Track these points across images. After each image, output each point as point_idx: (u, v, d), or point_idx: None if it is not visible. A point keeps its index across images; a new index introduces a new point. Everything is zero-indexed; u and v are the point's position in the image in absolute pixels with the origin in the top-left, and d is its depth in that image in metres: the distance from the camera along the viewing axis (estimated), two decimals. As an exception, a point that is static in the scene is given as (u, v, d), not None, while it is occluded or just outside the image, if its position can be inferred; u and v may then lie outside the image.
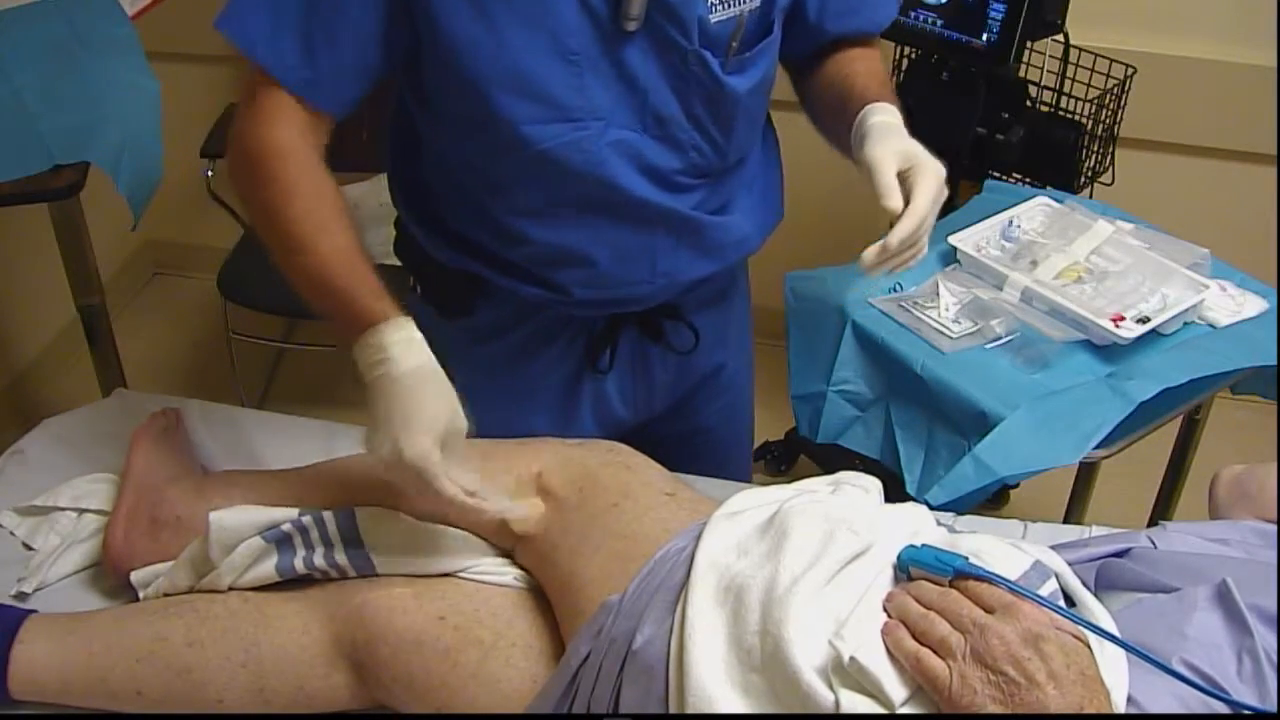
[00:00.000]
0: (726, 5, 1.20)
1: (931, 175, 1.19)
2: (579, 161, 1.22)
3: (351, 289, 1.14)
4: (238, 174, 1.20)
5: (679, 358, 1.48)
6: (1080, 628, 0.88)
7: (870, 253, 1.19)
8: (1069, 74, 2.15)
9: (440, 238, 1.35)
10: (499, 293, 1.36)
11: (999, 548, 0.98)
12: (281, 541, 1.21)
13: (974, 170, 2.18)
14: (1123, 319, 1.55)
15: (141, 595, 1.26)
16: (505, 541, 1.22)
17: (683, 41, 1.19)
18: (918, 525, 1.07)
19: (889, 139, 1.21)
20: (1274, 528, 1.11)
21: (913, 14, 2.09)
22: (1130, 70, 2.12)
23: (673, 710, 0.97)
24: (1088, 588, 0.98)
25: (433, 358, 1.13)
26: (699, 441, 1.61)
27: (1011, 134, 2.10)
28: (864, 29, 1.36)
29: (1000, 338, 1.57)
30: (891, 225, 1.18)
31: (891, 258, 1.19)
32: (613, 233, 1.29)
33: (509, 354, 1.42)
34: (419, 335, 1.13)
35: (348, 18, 1.14)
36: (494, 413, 1.38)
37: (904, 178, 1.19)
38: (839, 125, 1.29)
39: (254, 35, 1.15)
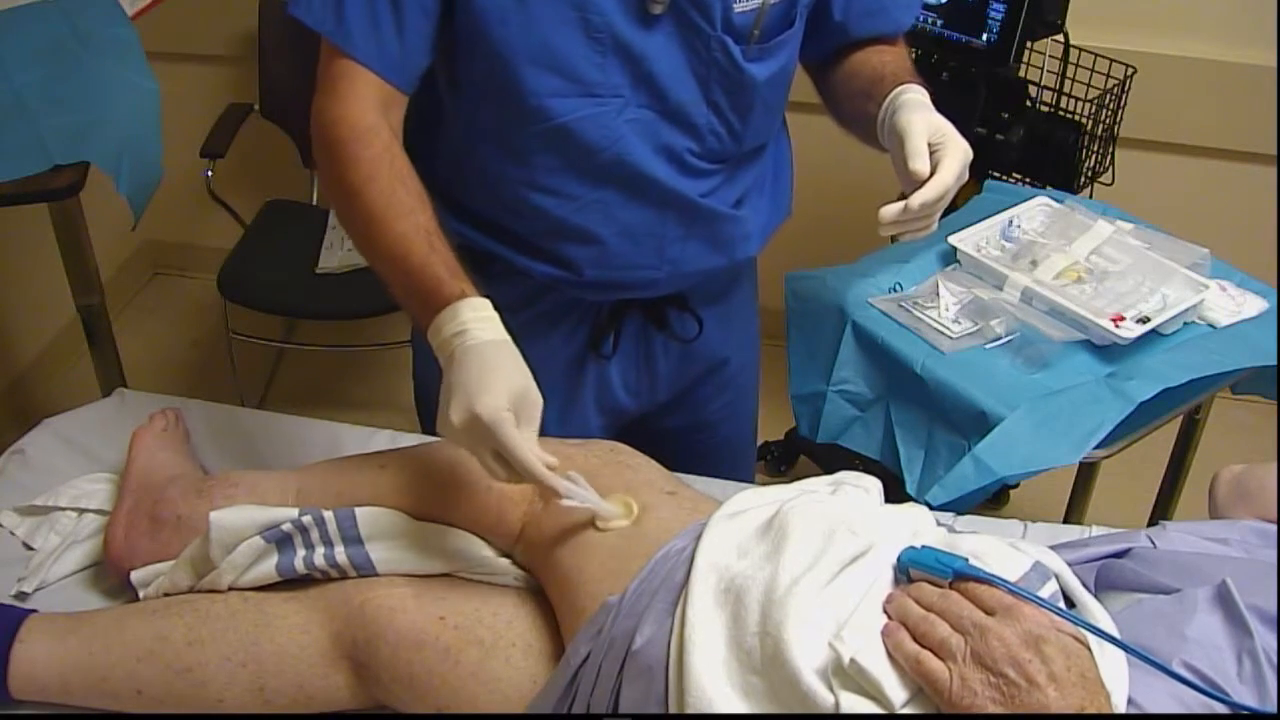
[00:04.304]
0: None
1: (959, 152, 1.22)
2: (597, 136, 1.25)
3: (431, 266, 1.14)
4: (320, 153, 1.20)
5: (682, 346, 1.49)
6: (1080, 629, 0.88)
7: (891, 210, 1.20)
8: (1069, 74, 2.15)
9: (455, 215, 1.36)
10: (507, 274, 1.37)
11: (999, 548, 0.98)
12: (282, 541, 1.21)
13: (974, 170, 2.16)
14: (1123, 319, 1.55)
15: (142, 595, 1.26)
16: (505, 542, 1.22)
17: (706, 27, 1.22)
18: (918, 525, 1.07)
19: (922, 111, 1.24)
20: (1274, 527, 1.11)
21: (913, 14, 2.09)
22: (1130, 70, 2.12)
23: (672, 711, 0.97)
24: (1088, 588, 0.98)
25: (509, 337, 1.13)
26: (703, 438, 1.61)
27: (1011, 134, 2.10)
28: (887, 30, 1.39)
29: (1000, 338, 1.57)
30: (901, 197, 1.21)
31: (907, 222, 1.21)
32: (624, 211, 1.31)
33: (512, 337, 1.43)
34: (496, 315, 1.13)
35: None
36: None
37: (932, 150, 1.21)
38: (866, 106, 1.31)
39: (326, 15, 1.17)
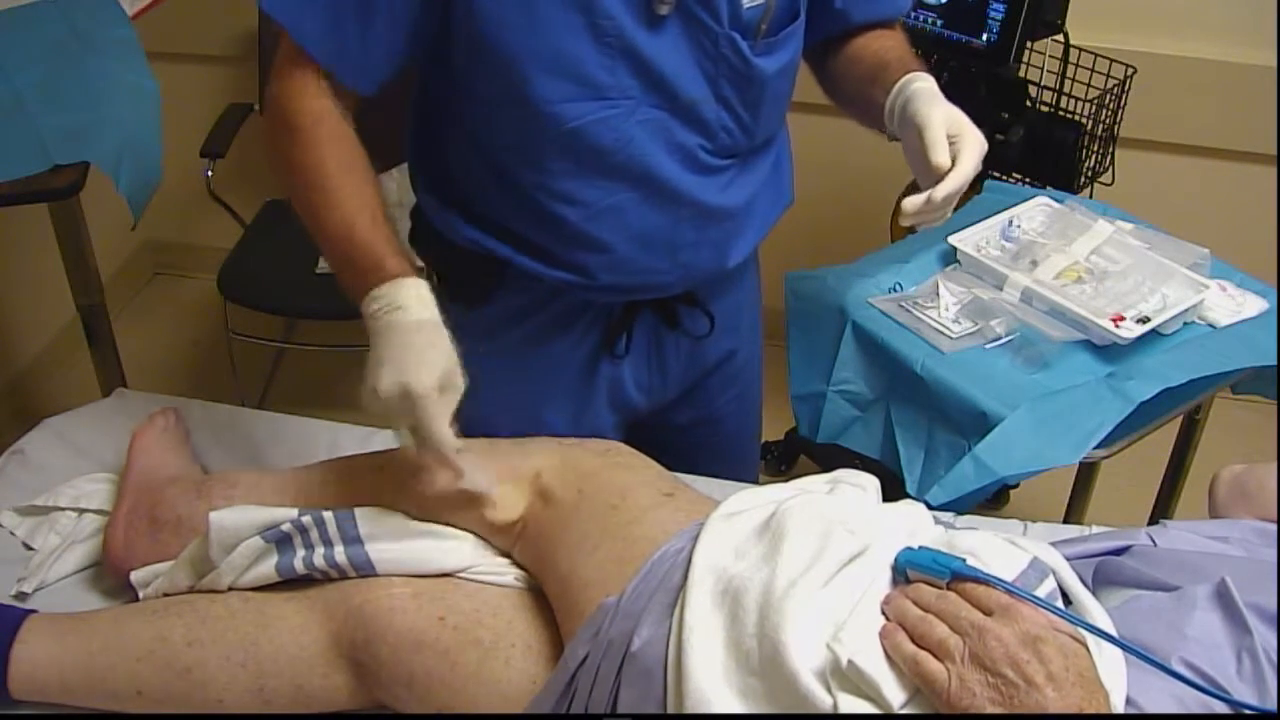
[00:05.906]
0: None
1: (976, 144, 1.23)
2: (609, 139, 1.25)
3: (375, 242, 1.17)
4: (274, 135, 1.23)
5: (693, 343, 1.49)
6: (1079, 629, 0.88)
7: (914, 202, 1.22)
8: (1069, 74, 2.15)
9: (467, 220, 1.36)
10: (520, 278, 1.36)
11: (996, 544, 0.98)
12: (281, 541, 1.21)
13: (975, 170, 2.18)
14: (1123, 319, 1.55)
15: (141, 595, 1.26)
16: (504, 542, 1.22)
17: (714, 25, 1.22)
18: (915, 524, 1.07)
19: (937, 103, 1.25)
20: (1274, 527, 1.11)
21: (913, 14, 2.09)
22: (1130, 70, 2.12)
23: (671, 712, 0.97)
24: (1085, 584, 0.98)
25: (441, 319, 1.16)
26: (709, 432, 1.62)
27: (1011, 134, 2.10)
28: (887, 15, 1.40)
29: (1000, 338, 1.57)
30: (911, 192, 1.23)
31: (927, 213, 1.23)
32: (637, 216, 1.31)
33: (526, 340, 1.43)
34: (432, 297, 1.16)
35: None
36: (509, 400, 1.39)
37: (949, 141, 1.22)
38: (872, 91, 1.32)
39: (287, 6, 1.19)
